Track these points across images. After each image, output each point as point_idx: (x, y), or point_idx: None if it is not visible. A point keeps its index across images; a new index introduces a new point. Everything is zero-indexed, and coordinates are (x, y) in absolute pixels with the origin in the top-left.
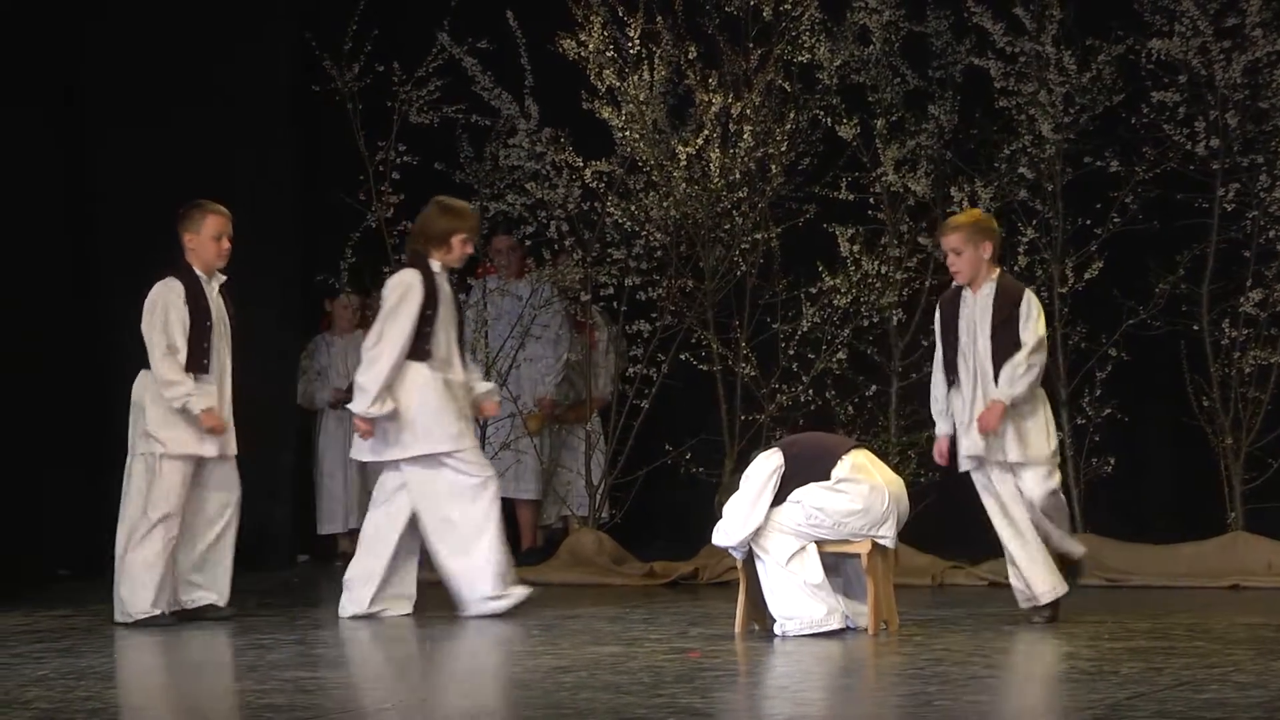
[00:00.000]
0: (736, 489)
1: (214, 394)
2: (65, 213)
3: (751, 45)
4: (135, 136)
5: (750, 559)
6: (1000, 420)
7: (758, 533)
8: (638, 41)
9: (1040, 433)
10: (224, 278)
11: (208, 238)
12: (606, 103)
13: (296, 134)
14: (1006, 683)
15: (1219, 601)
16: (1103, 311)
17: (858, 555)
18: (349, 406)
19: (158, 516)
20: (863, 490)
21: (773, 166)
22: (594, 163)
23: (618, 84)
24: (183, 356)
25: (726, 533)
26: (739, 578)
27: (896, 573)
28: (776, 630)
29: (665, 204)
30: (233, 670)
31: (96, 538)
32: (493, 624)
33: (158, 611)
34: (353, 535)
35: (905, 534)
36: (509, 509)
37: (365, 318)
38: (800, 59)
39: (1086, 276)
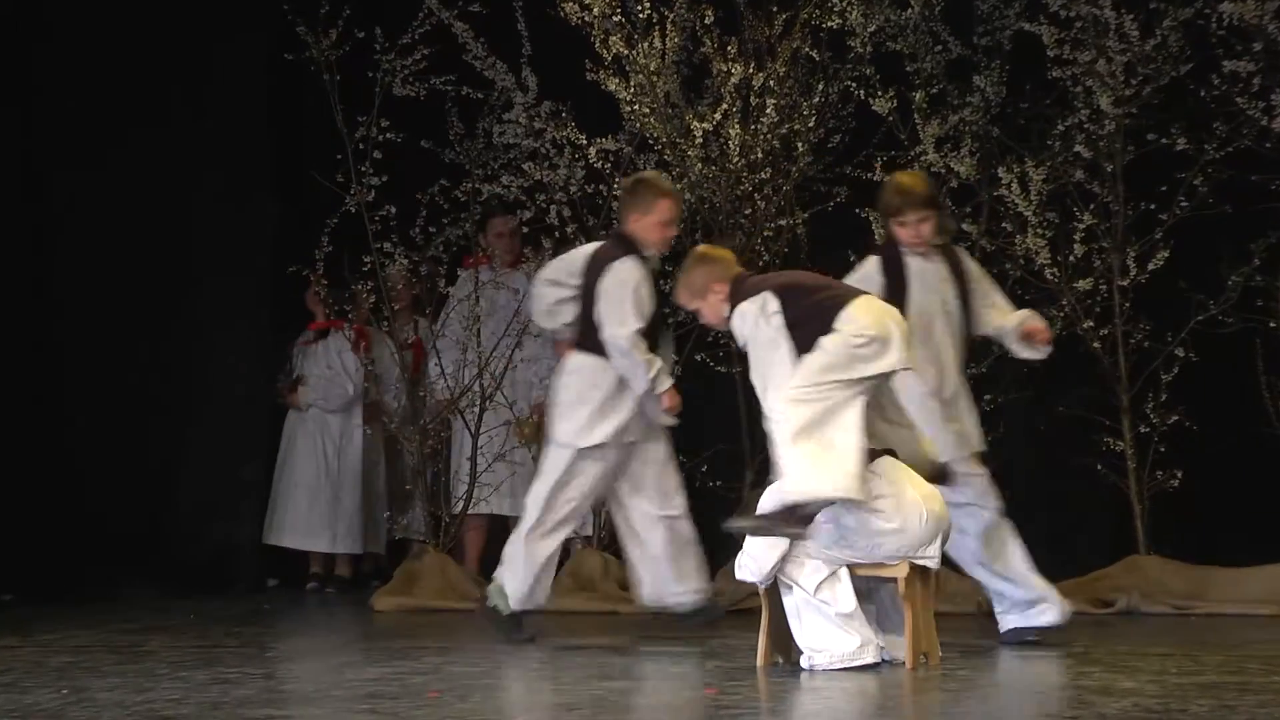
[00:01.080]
0: (755, 506)
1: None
2: (23, 184)
3: (775, 9)
4: (93, 115)
5: (774, 585)
6: None
7: (784, 559)
8: (648, 4)
9: None
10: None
11: (655, 223)
12: (613, 73)
13: (268, 108)
14: None
15: None
16: (1168, 307)
17: (894, 580)
18: None
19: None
20: (898, 506)
21: (799, 145)
22: (599, 140)
23: (625, 52)
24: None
25: (750, 567)
26: (761, 605)
27: (938, 599)
28: (803, 664)
29: (679, 186)
30: (195, 708)
31: (44, 561)
32: (485, 656)
33: None
34: (323, 554)
35: (947, 555)
36: (503, 527)
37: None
38: (830, 24)
39: (1150, 268)
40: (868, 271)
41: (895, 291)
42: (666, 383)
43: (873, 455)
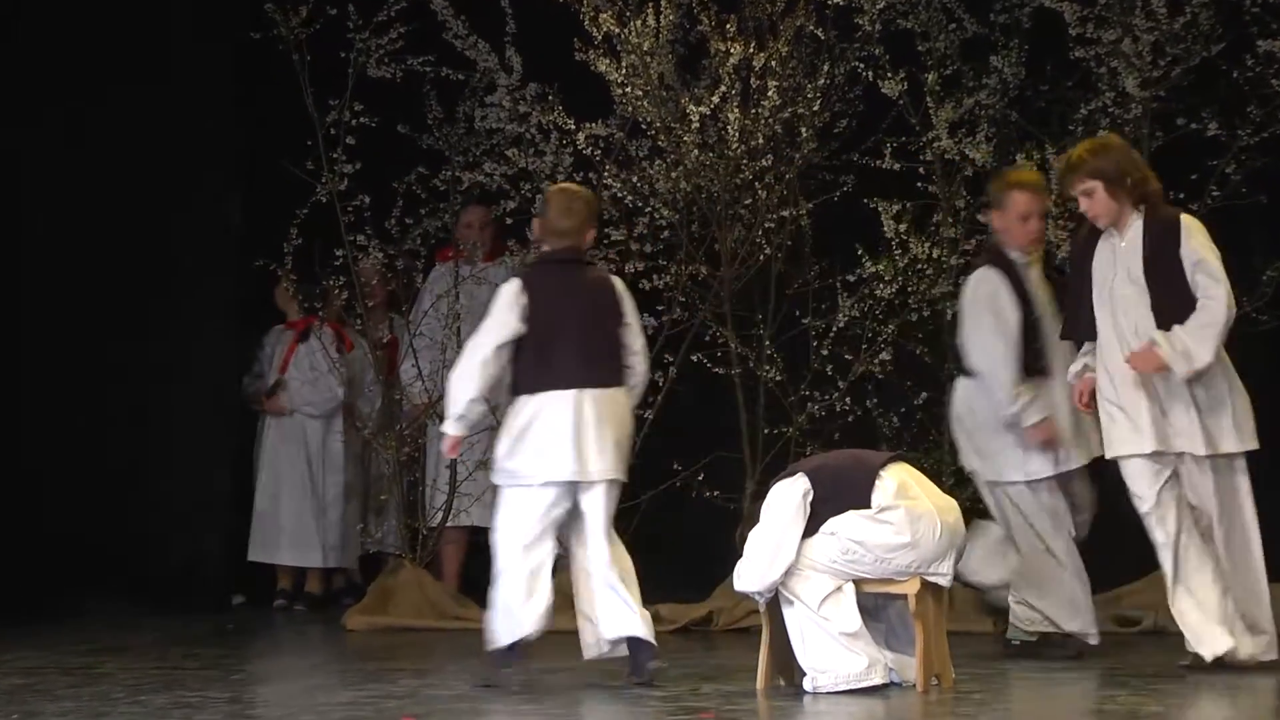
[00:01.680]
0: (759, 520)
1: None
2: None
3: None
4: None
5: (775, 602)
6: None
7: (786, 572)
8: None
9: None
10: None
11: (1015, 217)
12: (604, 53)
13: (235, 91)
14: None
15: None
16: None
17: (904, 597)
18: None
19: None
20: (910, 519)
21: (803, 130)
22: (588, 125)
23: (617, 31)
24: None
25: (750, 576)
26: (762, 624)
27: (950, 617)
28: (806, 685)
29: (674, 174)
30: None
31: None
32: (464, 678)
33: None
34: (292, 568)
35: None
36: (484, 541)
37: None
38: (836, 0)
39: None
40: None
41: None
42: None
43: (884, 461)
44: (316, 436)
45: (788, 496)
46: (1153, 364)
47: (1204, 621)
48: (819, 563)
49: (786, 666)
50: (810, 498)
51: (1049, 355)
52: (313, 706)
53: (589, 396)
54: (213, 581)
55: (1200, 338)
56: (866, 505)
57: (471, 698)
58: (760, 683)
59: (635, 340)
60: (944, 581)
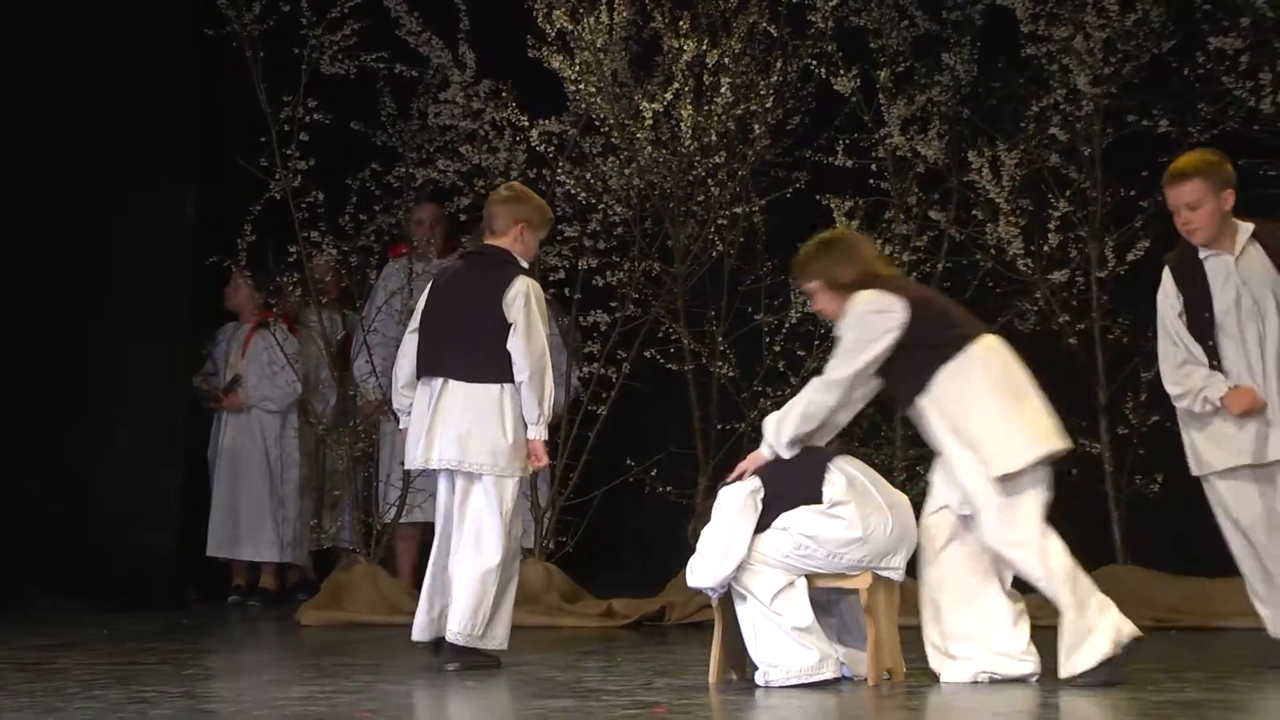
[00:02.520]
0: (710, 517)
1: None
2: None
3: None
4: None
5: (728, 597)
6: None
7: (739, 568)
8: None
9: None
10: None
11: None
12: (557, 50)
13: (189, 87)
14: None
15: None
16: (1149, 300)
17: (856, 591)
18: None
19: None
20: (862, 514)
21: (756, 126)
22: (542, 122)
23: (570, 27)
24: None
25: (703, 572)
26: (714, 618)
27: (902, 611)
28: (758, 679)
29: (627, 171)
30: None
31: None
32: (418, 673)
33: None
34: (246, 565)
35: (913, 565)
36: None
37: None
38: None
39: (1130, 258)
40: None
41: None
42: None
43: (832, 455)
44: (272, 432)
45: (737, 494)
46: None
47: None
48: (771, 558)
49: (739, 661)
50: (760, 495)
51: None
52: (267, 701)
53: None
54: (167, 578)
55: None
56: (818, 500)
57: (425, 692)
58: (713, 677)
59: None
60: (896, 576)
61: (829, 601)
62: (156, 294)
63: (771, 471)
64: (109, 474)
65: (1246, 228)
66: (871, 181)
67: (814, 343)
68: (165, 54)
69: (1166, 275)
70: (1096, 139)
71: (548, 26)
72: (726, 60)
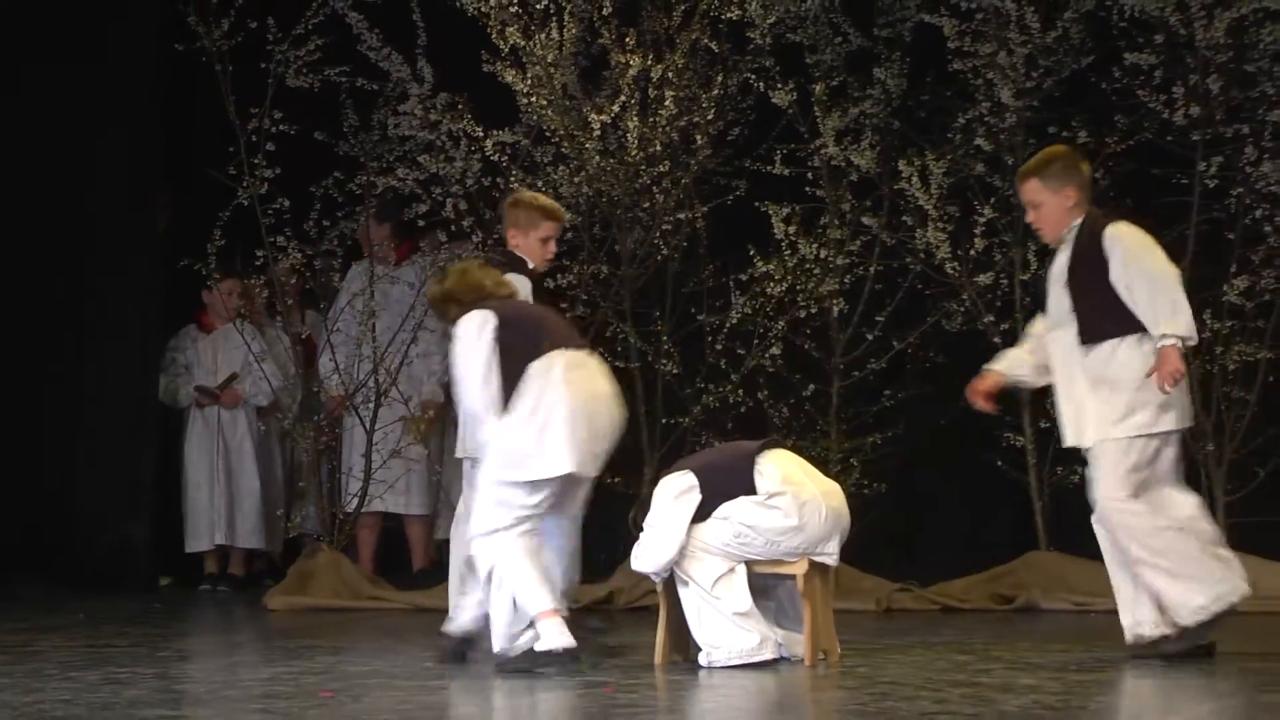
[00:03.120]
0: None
1: None
2: None
3: (674, 0)
4: None
5: (671, 582)
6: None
7: (682, 554)
8: None
9: None
10: None
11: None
12: (510, 64)
13: (159, 100)
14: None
15: None
16: None
17: (793, 577)
18: None
19: None
20: (797, 503)
21: (698, 137)
22: (496, 133)
23: (523, 43)
24: None
25: (646, 558)
26: (659, 603)
27: (837, 596)
28: (701, 660)
29: (577, 179)
30: (85, 709)
31: None
32: (379, 655)
33: None
34: (217, 551)
35: (847, 552)
36: (398, 525)
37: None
38: (729, 15)
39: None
40: None
41: None
42: None
43: (760, 449)
44: (241, 427)
45: (675, 486)
46: None
47: None
48: (712, 546)
49: (683, 643)
50: (696, 490)
51: None
52: (236, 682)
53: None
54: (140, 565)
55: None
56: (753, 492)
57: (386, 674)
58: (658, 659)
59: None
60: (830, 561)
61: (767, 586)
62: (130, 296)
63: (706, 473)
64: (87, 467)
65: (1075, 225)
66: (808, 189)
67: (753, 341)
68: (138, 69)
69: None
70: (1019, 149)
71: (501, 42)
72: (670, 75)
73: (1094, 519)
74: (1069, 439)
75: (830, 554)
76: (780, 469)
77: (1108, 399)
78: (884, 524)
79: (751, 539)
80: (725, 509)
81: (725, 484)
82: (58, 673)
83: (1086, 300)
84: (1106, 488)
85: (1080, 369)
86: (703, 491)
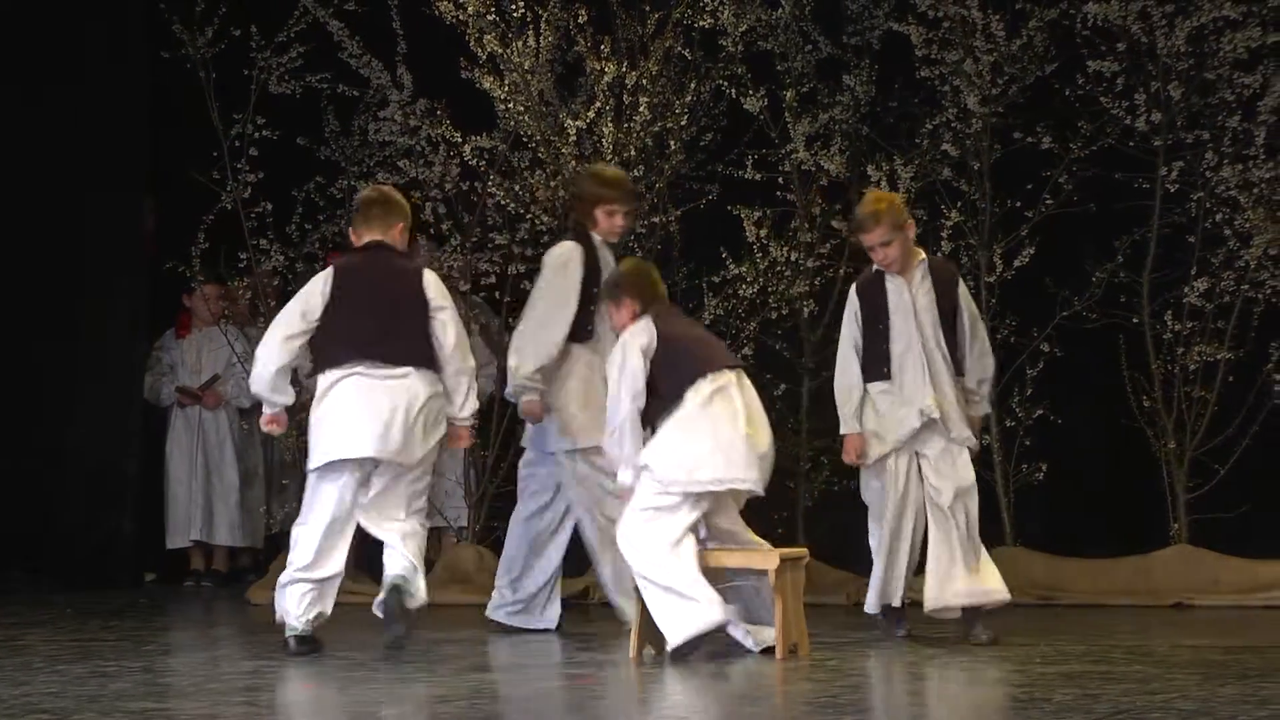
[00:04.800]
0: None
1: None
2: None
3: (648, 8)
4: None
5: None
6: None
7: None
8: (522, 3)
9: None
10: None
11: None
12: (488, 71)
13: (144, 105)
14: (929, 711)
15: (1161, 621)
16: (1034, 303)
17: (765, 572)
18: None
19: None
20: (713, 427)
21: (671, 142)
22: (474, 138)
23: (500, 51)
24: None
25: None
26: (635, 597)
27: (807, 590)
28: (669, 648)
29: (553, 183)
30: (73, 701)
31: None
32: (358, 648)
33: None
34: (200, 548)
35: (817, 548)
36: None
37: (225, 310)
38: (702, 23)
39: (1016, 264)
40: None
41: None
42: None
43: (719, 366)
44: (222, 426)
45: (633, 347)
46: None
47: None
48: (644, 510)
49: (655, 636)
50: (650, 353)
51: None
52: (219, 674)
53: None
54: (126, 560)
55: None
56: (679, 399)
57: (365, 666)
58: (632, 652)
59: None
60: (753, 488)
61: (741, 586)
62: (116, 298)
63: (668, 342)
64: (74, 465)
65: (922, 257)
66: (779, 193)
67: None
68: (125, 76)
69: (853, 294)
70: (985, 154)
71: (479, 50)
72: (644, 81)
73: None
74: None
75: (749, 480)
76: (713, 388)
77: None
78: (854, 520)
79: (667, 473)
80: (645, 456)
81: (670, 370)
82: (45, 665)
83: None
84: None
85: None
86: (653, 359)
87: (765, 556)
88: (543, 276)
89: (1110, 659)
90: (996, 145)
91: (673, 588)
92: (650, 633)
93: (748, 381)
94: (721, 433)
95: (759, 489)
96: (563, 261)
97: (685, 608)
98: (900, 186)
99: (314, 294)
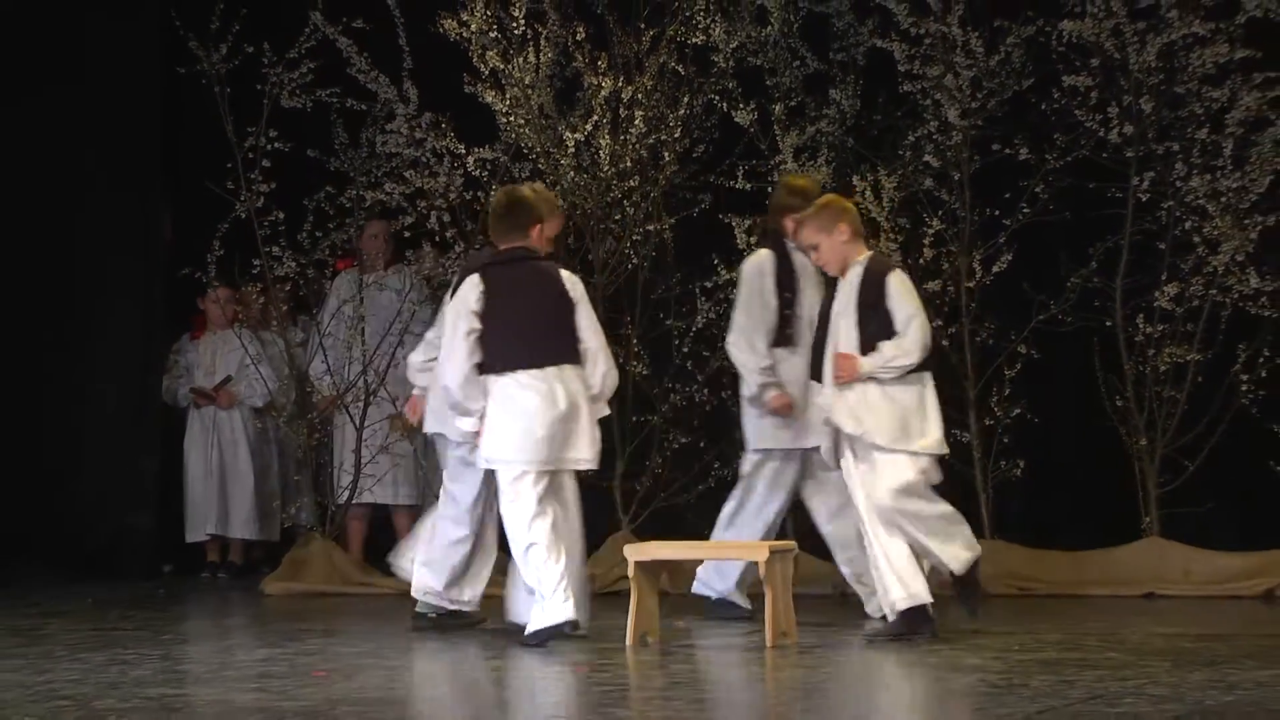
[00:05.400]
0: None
1: None
2: None
3: (643, 26)
4: None
5: (643, 567)
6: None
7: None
8: (523, 21)
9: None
10: None
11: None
12: (490, 86)
13: (161, 119)
14: (913, 696)
15: (1134, 611)
16: (1012, 306)
17: (754, 563)
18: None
19: None
20: (510, 413)
21: (665, 154)
22: (477, 150)
23: (502, 66)
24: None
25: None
26: (630, 587)
27: (796, 581)
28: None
29: (552, 193)
30: (93, 688)
31: None
32: (368, 637)
33: None
34: (217, 541)
35: (805, 540)
36: (385, 516)
37: (238, 314)
38: (694, 40)
39: (995, 270)
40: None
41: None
42: None
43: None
44: (237, 425)
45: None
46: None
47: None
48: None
49: (652, 625)
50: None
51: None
52: (234, 662)
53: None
54: (144, 553)
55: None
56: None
57: (375, 654)
58: (629, 640)
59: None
60: (584, 466)
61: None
62: (133, 301)
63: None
64: (94, 463)
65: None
66: (768, 202)
67: (717, 344)
68: (144, 91)
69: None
70: (965, 165)
71: (482, 66)
72: (640, 96)
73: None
74: None
75: (581, 460)
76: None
77: None
78: None
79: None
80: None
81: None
82: (67, 654)
83: None
84: None
85: None
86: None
87: (755, 549)
88: (739, 286)
89: (1085, 646)
90: (976, 156)
91: None
92: (647, 621)
93: None
94: None
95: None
96: (757, 270)
97: None
98: (884, 196)
99: (469, 301)
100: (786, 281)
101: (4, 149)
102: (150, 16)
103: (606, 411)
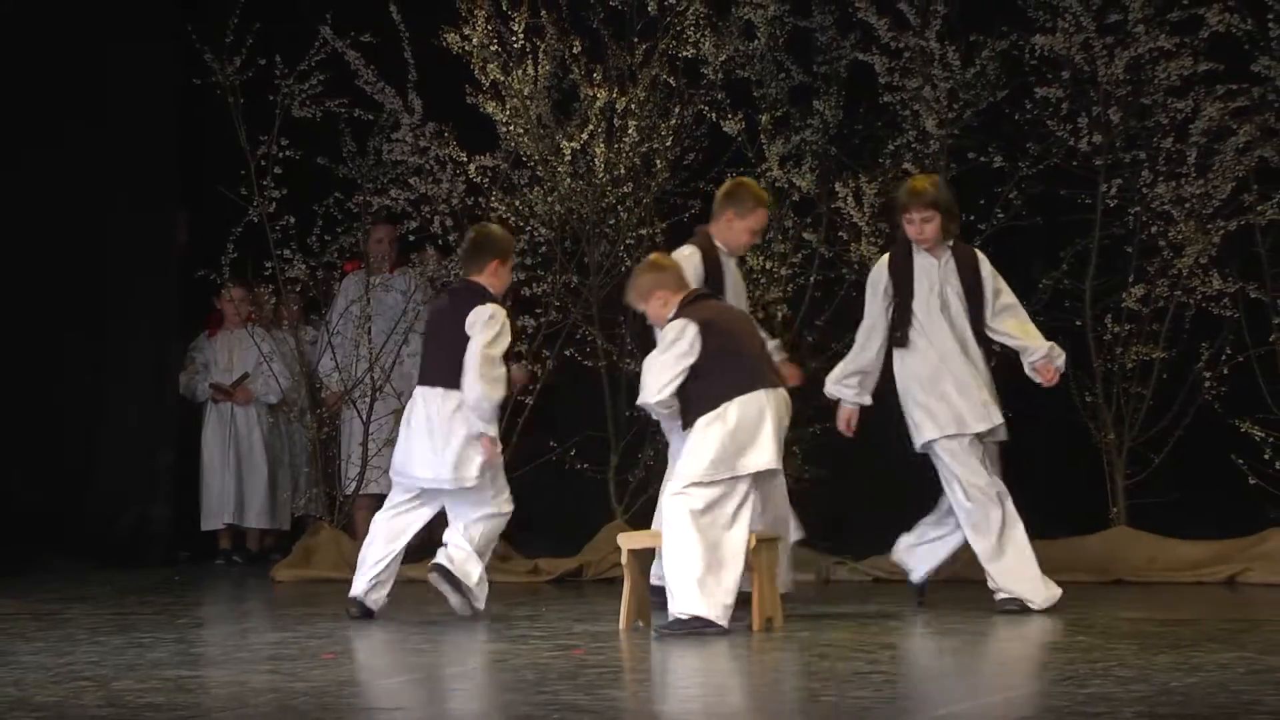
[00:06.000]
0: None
1: None
2: None
3: (636, 40)
4: (7, 132)
5: (637, 554)
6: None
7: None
8: (522, 35)
9: None
10: None
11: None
12: (491, 97)
13: (177, 128)
14: (890, 679)
15: (1102, 596)
16: None
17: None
18: None
19: None
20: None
21: (658, 162)
22: (478, 157)
23: (502, 78)
24: None
25: (644, 388)
26: (624, 574)
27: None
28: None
29: (550, 199)
30: (112, 670)
31: None
32: (374, 621)
33: None
34: (231, 530)
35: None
36: None
37: (251, 313)
38: (685, 54)
39: None
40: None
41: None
42: None
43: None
44: (252, 420)
45: (685, 336)
46: None
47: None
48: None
49: (645, 610)
50: (697, 349)
51: None
52: (247, 645)
53: None
54: (161, 541)
55: None
56: (714, 407)
57: (381, 638)
58: (622, 624)
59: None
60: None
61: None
62: (152, 303)
63: (709, 344)
64: (113, 455)
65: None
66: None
67: None
68: (161, 101)
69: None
70: (942, 172)
71: (483, 77)
72: (633, 106)
73: None
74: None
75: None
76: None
77: None
78: (824, 505)
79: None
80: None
81: (708, 380)
82: (87, 637)
83: None
84: None
85: None
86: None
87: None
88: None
89: (1054, 630)
90: (952, 164)
91: None
92: (640, 606)
93: None
94: None
95: None
96: (876, 270)
97: None
98: (865, 202)
99: (688, 348)
100: (901, 279)
101: (36, 162)
102: (167, 32)
103: (484, 429)
